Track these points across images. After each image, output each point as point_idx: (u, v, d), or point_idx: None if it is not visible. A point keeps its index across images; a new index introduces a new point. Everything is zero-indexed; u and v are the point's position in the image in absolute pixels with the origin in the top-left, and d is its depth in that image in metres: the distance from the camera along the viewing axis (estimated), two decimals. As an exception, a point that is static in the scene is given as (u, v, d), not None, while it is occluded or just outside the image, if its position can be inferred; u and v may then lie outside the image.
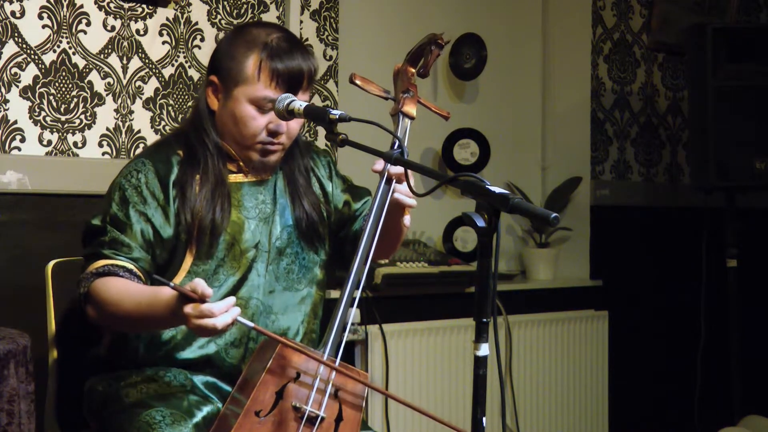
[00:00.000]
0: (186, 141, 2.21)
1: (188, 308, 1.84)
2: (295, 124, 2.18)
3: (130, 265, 2.07)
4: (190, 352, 2.16)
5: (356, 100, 3.27)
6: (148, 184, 2.13)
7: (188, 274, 2.14)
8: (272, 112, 2.14)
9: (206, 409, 2.09)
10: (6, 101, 2.75)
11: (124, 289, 2.02)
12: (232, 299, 1.89)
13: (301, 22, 3.29)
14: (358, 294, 2.10)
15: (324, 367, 2.00)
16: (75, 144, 2.86)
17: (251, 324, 1.93)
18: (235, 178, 2.22)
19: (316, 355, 2.00)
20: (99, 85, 2.90)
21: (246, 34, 2.20)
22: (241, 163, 2.22)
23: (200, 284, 1.84)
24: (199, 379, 2.16)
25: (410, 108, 2.24)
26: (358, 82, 2.28)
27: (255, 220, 2.21)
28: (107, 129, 2.92)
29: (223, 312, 1.85)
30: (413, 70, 2.33)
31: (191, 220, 2.13)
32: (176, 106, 3.03)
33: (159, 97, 3.01)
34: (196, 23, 3.07)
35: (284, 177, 2.27)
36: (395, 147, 2.05)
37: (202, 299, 1.84)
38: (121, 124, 2.94)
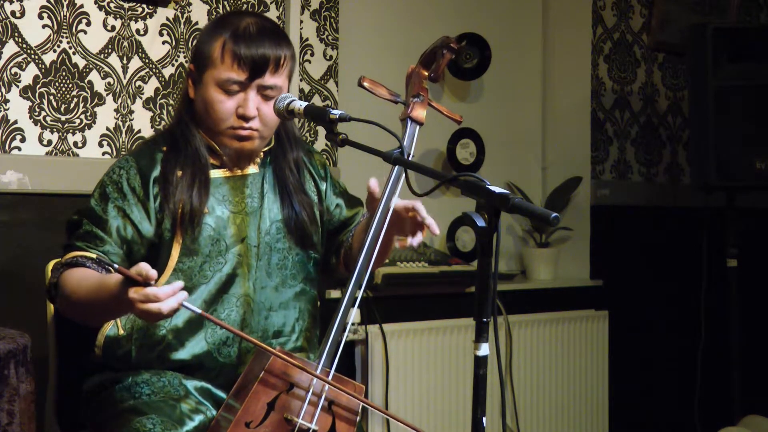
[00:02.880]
0: (171, 136, 2.21)
1: (132, 293, 1.80)
2: (270, 111, 2.14)
3: (99, 257, 2.07)
4: (183, 353, 2.15)
5: (356, 100, 3.27)
6: (129, 180, 2.14)
7: (174, 271, 2.13)
8: (241, 95, 2.13)
9: (198, 419, 2.08)
10: (6, 101, 2.75)
11: (82, 277, 2.01)
12: (179, 284, 1.84)
13: (301, 22, 3.29)
14: (359, 294, 2.10)
15: (317, 378, 1.99)
16: (75, 144, 2.86)
17: (198, 310, 1.88)
18: (219, 173, 2.20)
19: (309, 369, 1.98)
20: (99, 85, 2.90)
21: (221, 19, 2.21)
22: (224, 158, 2.20)
23: (144, 267, 1.80)
24: (192, 385, 2.14)
25: (419, 113, 2.23)
26: (366, 85, 2.26)
27: (241, 215, 2.20)
28: (107, 129, 2.92)
29: (169, 296, 1.80)
30: (426, 74, 2.30)
31: (174, 208, 2.12)
32: (176, 106, 3.03)
33: (159, 97, 3.01)
34: (196, 23, 3.07)
35: (273, 172, 2.26)
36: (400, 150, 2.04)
37: (146, 282, 1.80)
38: (121, 124, 2.94)
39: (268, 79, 2.13)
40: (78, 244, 2.09)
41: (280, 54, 2.15)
